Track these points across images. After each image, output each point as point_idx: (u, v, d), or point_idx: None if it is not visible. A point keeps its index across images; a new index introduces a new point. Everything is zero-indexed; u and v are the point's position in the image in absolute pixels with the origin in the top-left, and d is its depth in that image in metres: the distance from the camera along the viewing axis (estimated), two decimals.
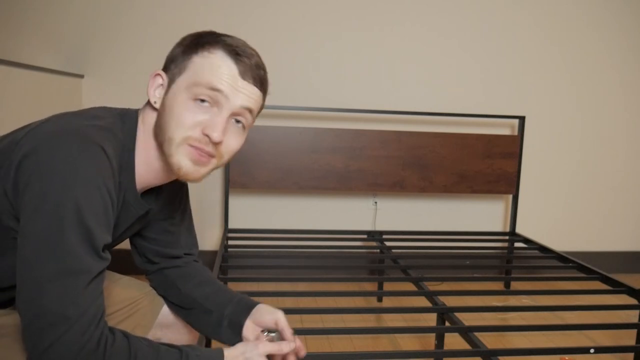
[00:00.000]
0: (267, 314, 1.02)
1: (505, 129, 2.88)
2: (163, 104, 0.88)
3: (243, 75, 0.87)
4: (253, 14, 2.62)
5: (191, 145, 0.86)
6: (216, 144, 0.86)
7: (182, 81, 0.87)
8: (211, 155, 0.87)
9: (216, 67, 0.86)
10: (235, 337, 1.02)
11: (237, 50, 0.87)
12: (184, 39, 0.91)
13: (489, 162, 2.69)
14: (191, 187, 1.17)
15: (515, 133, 2.85)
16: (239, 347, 0.91)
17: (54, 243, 0.73)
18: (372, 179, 2.61)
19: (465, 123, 2.83)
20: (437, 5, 2.74)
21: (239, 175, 2.51)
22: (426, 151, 2.63)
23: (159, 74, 0.90)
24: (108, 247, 0.83)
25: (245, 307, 1.04)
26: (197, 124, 0.85)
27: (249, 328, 1.02)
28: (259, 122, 2.61)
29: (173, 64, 0.89)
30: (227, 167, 2.49)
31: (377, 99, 2.75)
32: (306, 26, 2.66)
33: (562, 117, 2.92)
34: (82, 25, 2.52)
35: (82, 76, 2.54)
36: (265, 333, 1.00)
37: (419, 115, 2.69)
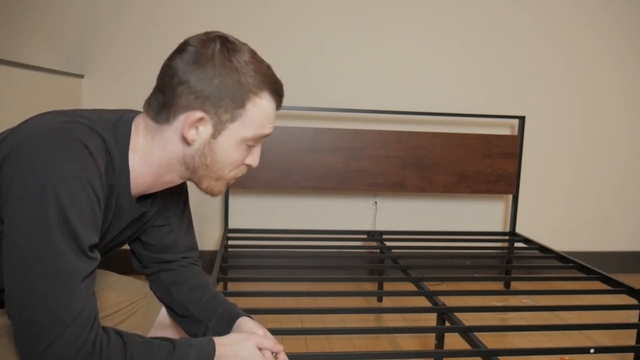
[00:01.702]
0: (245, 330, 0.98)
1: (505, 129, 2.88)
2: (210, 146, 0.87)
3: (277, 109, 0.92)
4: (253, 14, 2.62)
5: (233, 177, 0.94)
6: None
7: (235, 128, 0.87)
8: None
9: (267, 114, 0.89)
10: None
11: (279, 91, 0.90)
12: (219, 73, 0.83)
13: (489, 162, 2.69)
14: (191, 187, 1.17)
15: (515, 133, 2.85)
16: (231, 336, 0.91)
17: (40, 245, 0.72)
18: (372, 179, 2.61)
19: (465, 123, 2.83)
20: (437, 5, 2.74)
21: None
22: (426, 151, 2.63)
23: (202, 117, 0.85)
24: (103, 249, 0.83)
25: (227, 321, 1.02)
26: (243, 161, 0.92)
27: None
28: None
29: (221, 109, 0.85)
30: None
31: (377, 99, 2.75)
32: (306, 26, 2.66)
33: (562, 117, 2.92)
34: (82, 25, 2.52)
35: (82, 76, 2.54)
36: None
37: (419, 115, 2.69)
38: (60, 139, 0.76)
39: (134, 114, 0.92)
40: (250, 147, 0.91)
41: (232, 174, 0.93)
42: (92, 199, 0.77)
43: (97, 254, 0.80)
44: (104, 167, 0.81)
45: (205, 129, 0.86)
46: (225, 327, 1.02)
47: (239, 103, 0.85)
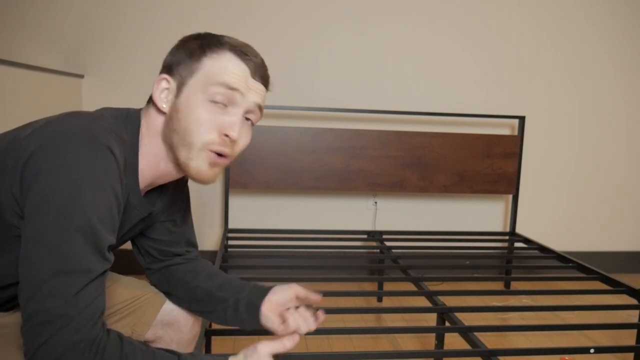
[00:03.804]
0: (282, 291, 1.03)
1: (505, 129, 2.88)
2: (175, 107, 0.89)
3: (253, 74, 0.90)
4: (253, 14, 2.62)
5: (211, 150, 0.88)
6: (233, 142, 0.89)
7: (195, 83, 0.88)
8: (228, 156, 0.90)
9: (229, 67, 0.88)
10: (252, 318, 1.03)
11: (244, 51, 0.90)
12: (185, 42, 0.91)
13: (489, 162, 2.69)
14: (191, 186, 1.18)
15: (515, 133, 2.85)
16: (240, 355, 0.91)
17: (57, 242, 0.73)
18: (372, 179, 2.61)
19: (465, 123, 2.83)
20: (437, 5, 2.74)
21: (239, 175, 2.51)
22: (426, 151, 2.63)
23: (164, 78, 0.90)
24: (112, 248, 0.83)
25: (262, 291, 1.06)
26: (215, 126, 0.87)
27: (270, 308, 1.02)
28: (259, 122, 2.62)
29: (180, 67, 0.89)
30: (227, 167, 2.48)
31: (377, 99, 2.75)
32: (306, 26, 2.66)
33: (562, 117, 2.92)
34: (82, 25, 2.52)
35: (82, 76, 2.54)
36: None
37: (419, 115, 2.69)
38: (87, 141, 0.78)
39: (137, 111, 0.95)
40: (221, 110, 0.87)
41: (202, 139, 0.87)
42: (112, 201, 0.79)
43: (112, 256, 0.81)
44: (123, 169, 0.84)
45: (172, 93, 0.90)
46: (261, 295, 1.04)
47: (196, 58, 0.88)
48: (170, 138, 0.89)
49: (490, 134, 2.69)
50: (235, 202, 2.72)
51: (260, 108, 0.93)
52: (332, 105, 2.69)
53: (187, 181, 1.14)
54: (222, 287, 1.09)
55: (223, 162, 0.90)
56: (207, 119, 0.87)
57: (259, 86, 0.91)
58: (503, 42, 2.82)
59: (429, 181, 2.66)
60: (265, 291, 1.05)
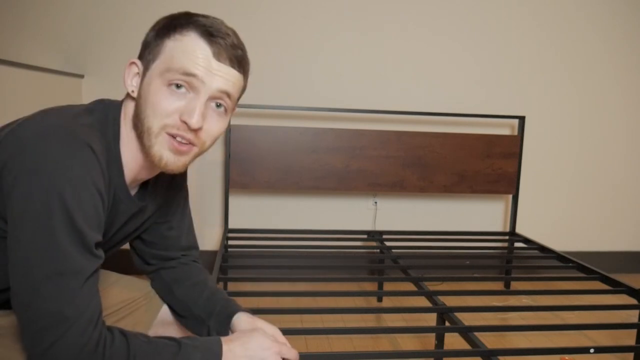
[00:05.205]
0: (245, 325, 0.99)
1: (505, 129, 2.88)
2: (139, 93, 0.86)
3: (218, 56, 0.84)
4: (253, 14, 2.62)
5: (169, 134, 0.84)
6: (195, 131, 0.84)
7: (155, 67, 0.84)
8: (191, 143, 0.86)
9: (190, 50, 0.82)
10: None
11: (211, 31, 0.83)
12: (157, 23, 0.88)
13: (489, 162, 2.69)
14: (191, 187, 1.17)
15: (515, 133, 2.85)
16: (237, 333, 0.92)
17: (45, 244, 0.73)
18: (372, 179, 2.61)
19: (465, 123, 2.83)
20: (437, 5, 2.74)
21: (239, 175, 2.51)
22: (426, 151, 2.63)
23: (134, 62, 0.88)
24: (104, 247, 0.83)
25: (224, 320, 1.02)
26: (174, 111, 0.83)
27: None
28: (259, 122, 2.63)
29: (147, 50, 0.87)
30: (227, 167, 2.49)
31: (377, 99, 2.75)
32: (306, 26, 2.66)
33: (562, 117, 2.92)
34: (82, 25, 2.52)
35: (82, 76, 2.54)
36: None
37: (419, 115, 2.69)
38: (66, 140, 0.76)
39: (117, 103, 0.93)
40: (183, 96, 0.83)
41: (159, 123, 0.83)
42: (96, 199, 0.78)
43: (101, 253, 0.81)
44: (105, 165, 0.82)
45: (140, 77, 0.87)
46: (223, 326, 1.02)
47: (160, 41, 0.85)
48: (136, 125, 0.86)
49: (490, 134, 2.69)
50: (235, 202, 2.72)
51: (228, 95, 0.86)
52: (332, 105, 2.69)
53: (183, 182, 1.13)
54: (197, 305, 1.07)
55: (188, 149, 0.86)
56: (165, 104, 0.82)
57: (226, 70, 0.84)
58: (503, 42, 2.82)
59: (429, 181, 2.66)
60: (227, 319, 1.01)
